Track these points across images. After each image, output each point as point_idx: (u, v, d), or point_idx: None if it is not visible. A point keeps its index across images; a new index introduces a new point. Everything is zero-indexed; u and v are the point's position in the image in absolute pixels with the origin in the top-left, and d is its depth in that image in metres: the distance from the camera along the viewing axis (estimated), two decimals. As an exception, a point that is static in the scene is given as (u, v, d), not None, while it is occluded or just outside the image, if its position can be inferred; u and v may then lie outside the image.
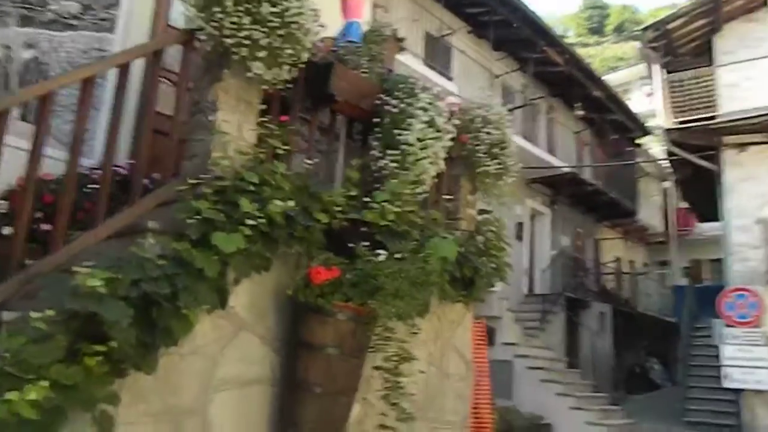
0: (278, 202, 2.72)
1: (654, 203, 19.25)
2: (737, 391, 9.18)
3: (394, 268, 3.11)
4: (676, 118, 9.94)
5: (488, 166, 4.66)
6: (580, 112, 14.13)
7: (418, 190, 3.71)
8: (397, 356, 3.27)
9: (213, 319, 2.83)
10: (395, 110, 3.65)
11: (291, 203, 2.78)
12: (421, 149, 3.64)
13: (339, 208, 3.23)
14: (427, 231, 3.68)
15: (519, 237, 13.32)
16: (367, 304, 3.13)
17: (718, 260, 19.87)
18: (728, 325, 9.25)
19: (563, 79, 13.86)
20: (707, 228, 19.47)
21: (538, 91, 13.61)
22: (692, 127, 9.79)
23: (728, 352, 9.08)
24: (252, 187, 2.81)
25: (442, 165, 3.93)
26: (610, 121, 15.91)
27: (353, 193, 3.51)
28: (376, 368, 3.23)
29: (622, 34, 45.12)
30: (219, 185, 2.80)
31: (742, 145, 9.80)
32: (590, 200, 15.06)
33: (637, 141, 18.27)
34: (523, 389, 10.22)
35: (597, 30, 48.37)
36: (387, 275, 3.08)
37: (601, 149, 16.60)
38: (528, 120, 13.76)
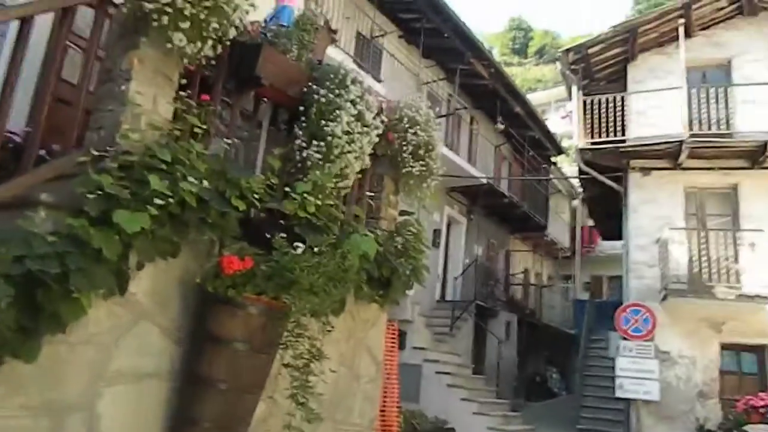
0: (192, 181, 2.53)
1: (563, 220, 20.18)
2: (627, 401, 9.70)
3: (311, 263, 2.99)
4: (589, 138, 10.44)
5: (413, 167, 4.63)
6: (501, 126, 14.55)
7: (341, 185, 3.61)
8: (308, 354, 3.14)
9: (109, 306, 2.59)
10: (323, 100, 3.54)
11: (206, 184, 2.60)
12: (348, 143, 3.54)
13: (257, 196, 3.07)
14: (348, 227, 3.59)
15: (435, 244, 13.49)
16: (280, 299, 2.99)
17: (617, 277, 21.15)
18: (623, 338, 9.76)
19: (487, 92, 14.24)
20: (608, 246, 20.64)
21: (463, 102, 13.89)
22: (603, 148, 10.32)
23: (622, 363, 9.58)
24: (163, 165, 2.60)
25: (367, 161, 3.85)
26: (529, 138, 16.52)
27: (273, 182, 3.36)
28: (285, 366, 3.09)
29: (543, 57, 47.19)
30: (126, 160, 2.58)
31: (646, 170, 10.43)
32: (505, 212, 15.54)
33: (552, 159, 19.07)
34: (430, 393, 10.34)
35: (520, 51, 50.24)
36: (303, 269, 2.95)
37: (518, 164, 17.20)
38: (451, 130, 14.02)
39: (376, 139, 3.85)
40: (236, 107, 3.60)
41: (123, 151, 2.64)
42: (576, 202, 20.97)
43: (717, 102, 10.03)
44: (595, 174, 10.53)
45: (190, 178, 2.55)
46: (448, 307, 12.80)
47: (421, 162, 4.67)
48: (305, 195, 3.25)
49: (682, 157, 9.97)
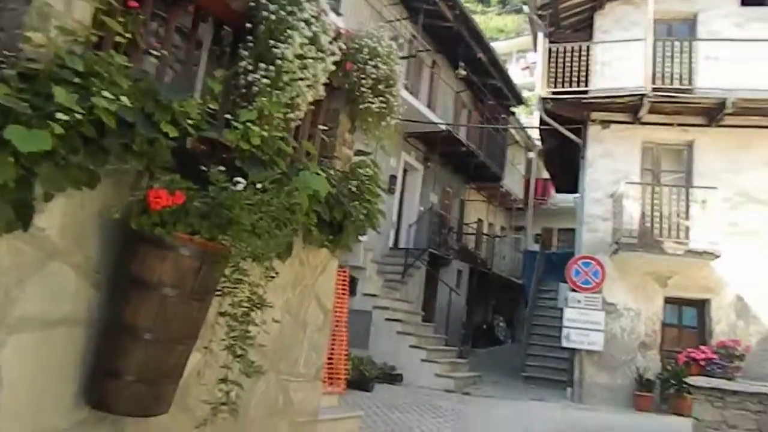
0: (108, 96, 2.12)
1: (518, 172, 20.20)
2: (572, 350, 9.90)
3: (253, 200, 2.64)
4: (552, 88, 10.21)
5: (372, 103, 4.28)
6: (463, 72, 14.16)
7: (291, 116, 3.23)
8: (248, 302, 2.84)
9: (10, 242, 2.20)
10: (273, 18, 3.10)
11: (125, 101, 2.20)
12: (300, 68, 3.15)
13: (193, 123, 2.67)
14: (297, 164, 3.23)
15: (391, 190, 13.24)
16: (217, 240, 2.66)
17: (567, 230, 21.51)
18: (573, 290, 9.87)
19: (451, 36, 13.76)
20: (561, 199, 20.88)
21: (426, 44, 13.38)
22: (565, 98, 10.13)
23: (569, 314, 9.72)
24: (75, 77, 2.17)
25: (321, 91, 3.47)
26: (490, 87, 16.20)
27: (213, 108, 2.96)
28: (222, 314, 2.78)
29: (506, 6, 46.47)
30: (29, 68, 2.14)
31: (606, 123, 10.33)
32: (462, 161, 15.35)
33: (512, 110, 18.87)
34: (380, 340, 10.28)
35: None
36: (244, 207, 2.60)
37: (477, 113, 16.93)
38: (412, 73, 13.53)
39: (333, 68, 3.46)
40: (172, 22, 3.14)
41: (26, 58, 2.20)
42: (532, 154, 21.01)
43: (680, 57, 9.91)
44: (555, 125, 10.37)
45: (107, 93, 2.14)
46: (401, 254, 12.68)
47: (380, 98, 4.31)
48: (249, 124, 2.87)
49: (643, 111, 9.89)
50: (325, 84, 3.62)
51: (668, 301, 9.90)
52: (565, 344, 9.79)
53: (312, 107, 3.54)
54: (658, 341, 9.75)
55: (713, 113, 9.79)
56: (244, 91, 3.11)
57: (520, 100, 18.21)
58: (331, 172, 4.07)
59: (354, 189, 4.16)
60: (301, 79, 3.18)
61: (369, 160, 4.41)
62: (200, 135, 2.78)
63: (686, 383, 8.05)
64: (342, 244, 4.22)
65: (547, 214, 21.32)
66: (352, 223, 4.04)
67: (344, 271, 6.19)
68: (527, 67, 34.14)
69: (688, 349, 8.81)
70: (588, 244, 10.16)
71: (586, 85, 10.22)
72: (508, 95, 17.25)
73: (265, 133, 2.89)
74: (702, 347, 8.76)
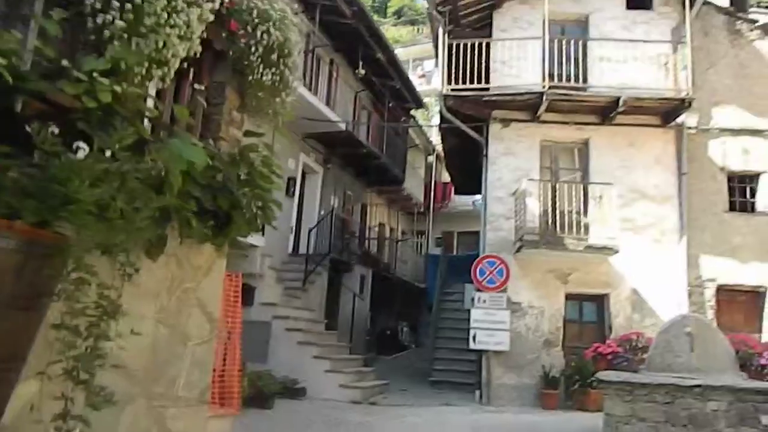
0: None
1: (419, 175, 20.14)
2: (479, 352, 9.71)
3: (97, 171, 1.97)
4: (453, 85, 10.04)
5: (263, 75, 3.68)
6: (362, 72, 13.78)
7: (157, 72, 2.56)
8: (96, 309, 2.14)
9: None
10: (130, -57, 2.43)
11: None
12: (168, 12, 2.49)
13: (14, 67, 1.96)
14: (164, 131, 2.57)
15: (289, 193, 12.53)
16: (51, 225, 1.96)
17: (467, 233, 21.77)
18: (478, 290, 9.70)
19: (349, 33, 13.32)
20: (460, 203, 21.10)
21: (324, 39, 12.83)
22: (466, 96, 9.99)
23: (476, 315, 9.53)
24: None
25: (197, 47, 2.82)
26: (389, 88, 15.94)
27: (48, 53, 2.25)
28: (55, 327, 2.06)
29: (400, 18, 47.28)
30: None
31: (506, 121, 10.31)
32: (363, 163, 14.93)
33: (411, 113, 18.77)
34: (280, 352, 9.56)
35: (378, 10, 49.74)
36: (85, 181, 1.93)
37: (377, 114, 16.60)
38: (309, 71, 12.92)
39: (210, 18, 2.83)
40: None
41: None
42: (432, 158, 21.06)
43: (575, 57, 10.08)
44: (457, 122, 10.21)
45: None
46: (301, 260, 11.99)
47: (273, 69, 3.73)
48: (97, 76, 2.18)
49: (541, 109, 9.95)
50: (204, 43, 2.99)
51: (569, 297, 9.99)
52: (472, 346, 9.58)
53: (186, 64, 2.87)
54: (560, 338, 9.78)
55: (606, 112, 10.03)
56: (92, 36, 2.41)
57: (419, 104, 18.14)
58: (216, 154, 3.44)
59: (244, 176, 3.54)
60: (171, 26, 2.52)
61: (262, 143, 3.80)
62: (27, 86, 2.06)
63: (591, 379, 8.06)
64: (230, 238, 3.58)
65: (447, 218, 21.44)
66: (241, 214, 3.41)
67: (236, 276, 5.48)
68: (424, 75, 34.54)
69: (594, 344, 8.87)
70: (492, 243, 10.05)
71: (487, 83, 10.14)
72: (408, 97, 17.08)
73: (118, 88, 2.22)
74: (608, 341, 8.85)
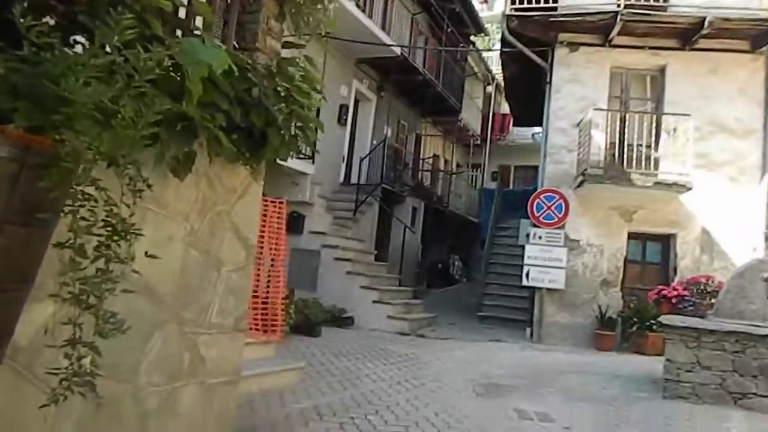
0: None
1: (476, 106, 19.35)
2: (532, 289, 9.40)
3: (96, 68, 1.69)
4: (516, 4, 9.25)
5: (303, -23, 3.29)
6: (420, -9, 12.98)
7: (174, -40, 2.22)
8: (108, 229, 1.92)
9: None
10: None
11: None
12: None
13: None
14: (181, 29, 2.27)
15: (341, 121, 12.22)
16: (48, 131, 1.71)
17: (525, 167, 21.03)
18: (535, 226, 9.28)
19: (406, -50, 12.50)
20: (519, 135, 20.28)
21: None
22: (531, 16, 9.20)
23: (531, 251, 9.16)
24: None
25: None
26: (448, 11, 15.04)
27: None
28: (58, 245, 1.85)
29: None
30: None
31: (574, 45, 9.50)
32: (418, 92, 14.34)
33: (471, 39, 17.80)
34: (329, 281, 9.53)
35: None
36: (80, 78, 1.65)
37: (435, 40, 15.78)
38: (364, -10, 12.24)
39: None
40: None
41: None
42: (491, 88, 20.15)
43: (656, -29, 9.07)
44: (520, 46, 9.47)
45: None
46: (352, 190, 11.79)
47: (314, -29, 3.33)
48: (100, -41, 1.87)
49: (614, 32, 9.09)
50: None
51: (632, 236, 9.44)
52: (525, 283, 9.26)
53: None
54: (620, 278, 9.32)
55: (688, 35, 9.08)
56: None
57: (480, 29, 17.12)
58: (249, 66, 3.14)
59: (281, 91, 3.23)
60: None
61: (301, 55, 3.46)
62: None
63: (651, 322, 7.65)
64: (265, 159, 3.31)
65: (504, 151, 20.70)
66: (277, 133, 3.13)
67: (281, 203, 5.28)
68: (485, 1, 32.76)
69: (658, 286, 8.39)
70: (551, 176, 9.51)
71: (555, 2, 9.29)
72: (468, 22, 16.13)
73: (125, -26, 1.90)
74: (673, 284, 8.35)
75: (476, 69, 18.96)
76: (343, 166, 12.56)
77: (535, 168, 21.10)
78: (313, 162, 9.77)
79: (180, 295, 2.91)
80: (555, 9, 9.26)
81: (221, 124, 2.71)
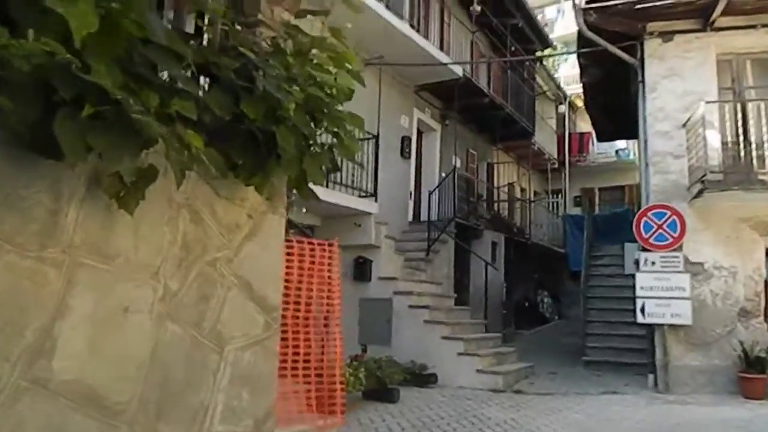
0: None
1: (549, 127, 17.90)
2: (651, 326, 7.77)
3: None
4: (593, -4, 7.98)
5: None
6: (477, 8, 11.95)
7: None
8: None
9: None
10: None
11: None
12: None
13: None
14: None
15: (404, 154, 11.19)
16: None
17: (610, 188, 19.21)
18: (644, 250, 7.72)
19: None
20: (601, 154, 18.62)
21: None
22: (614, 5, 7.87)
23: (643, 281, 7.58)
24: None
25: None
26: (510, 27, 13.91)
27: None
28: None
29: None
30: None
31: (668, 34, 8.06)
32: (485, 116, 13.14)
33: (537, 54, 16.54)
34: (404, 333, 8.31)
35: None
36: None
37: (498, 63, 14.63)
38: (418, 11, 11.32)
39: None
40: None
41: None
42: (563, 107, 18.67)
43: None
44: (602, 42, 8.13)
45: None
46: (422, 228, 10.62)
47: None
48: None
49: (716, 12, 7.62)
50: None
51: (770, 253, 7.67)
52: (640, 320, 7.65)
53: None
54: (762, 306, 7.54)
55: (812, 4, 7.47)
56: None
57: (546, 43, 15.84)
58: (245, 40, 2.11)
59: (295, 75, 2.17)
60: None
61: (324, 24, 2.40)
62: None
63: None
64: (281, 176, 2.23)
65: (585, 173, 18.99)
66: (291, 134, 2.04)
67: (330, 245, 4.17)
68: (546, 24, 31.56)
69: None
70: (658, 189, 7.96)
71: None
72: (532, 37, 14.91)
73: None
74: None
75: (546, 88, 17.59)
76: (411, 202, 11.46)
77: (622, 188, 19.36)
78: (377, 199, 8.72)
79: (150, 399, 1.80)
80: (637, -5, 7.91)
81: (189, 115, 1.65)
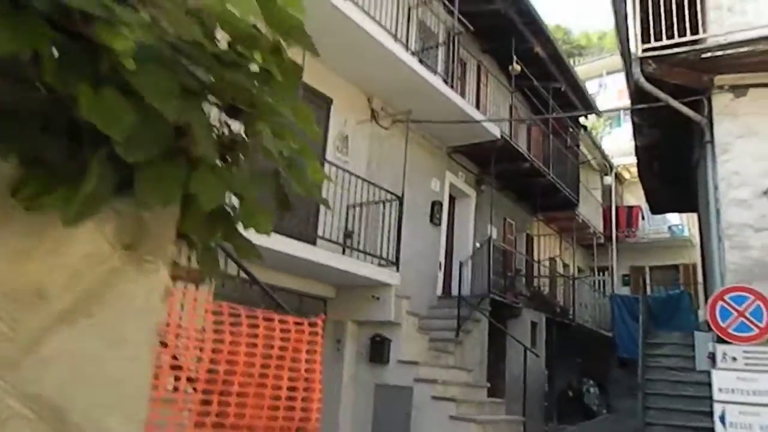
0: None
1: (594, 199, 16.67)
2: (733, 439, 6.23)
3: None
4: (651, 42, 6.99)
5: None
6: (517, 68, 11.15)
7: None
8: None
9: None
10: None
11: None
12: None
13: None
14: None
15: (434, 220, 10.13)
16: None
17: (663, 267, 17.62)
18: (721, 341, 6.31)
19: (497, 26, 10.90)
20: (652, 230, 17.21)
21: (462, 24, 10.28)
22: (672, 55, 6.86)
23: (723, 381, 6.13)
24: None
25: None
26: (552, 91, 13.06)
27: None
28: None
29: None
30: None
31: (740, 88, 6.99)
32: (525, 182, 12.09)
33: (582, 123, 15.60)
34: (426, 429, 6.96)
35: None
36: None
37: (538, 127, 13.72)
38: (452, 71, 10.55)
39: None
40: None
41: None
42: (609, 178, 17.48)
43: None
44: (663, 96, 7.07)
45: None
46: (452, 303, 9.39)
47: None
48: None
49: (799, 62, 6.53)
50: None
51: None
52: (720, 430, 6.13)
53: None
54: None
55: None
56: None
57: (590, 108, 14.90)
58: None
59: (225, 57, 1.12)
60: None
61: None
62: None
63: None
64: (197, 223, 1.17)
65: (634, 250, 17.50)
66: (207, 140, 0.99)
67: (312, 324, 3.05)
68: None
69: None
70: (737, 269, 6.62)
71: (704, 32, 6.95)
72: (576, 102, 14.00)
73: None
74: None
75: (590, 156, 16.52)
76: (441, 274, 10.27)
77: (677, 267, 17.73)
78: (398, 269, 7.61)
79: None
80: (702, 42, 6.88)
81: None
